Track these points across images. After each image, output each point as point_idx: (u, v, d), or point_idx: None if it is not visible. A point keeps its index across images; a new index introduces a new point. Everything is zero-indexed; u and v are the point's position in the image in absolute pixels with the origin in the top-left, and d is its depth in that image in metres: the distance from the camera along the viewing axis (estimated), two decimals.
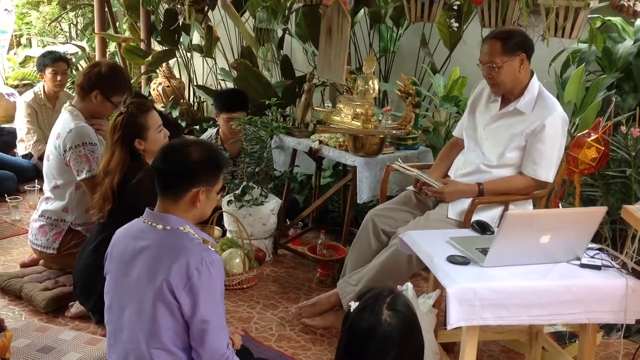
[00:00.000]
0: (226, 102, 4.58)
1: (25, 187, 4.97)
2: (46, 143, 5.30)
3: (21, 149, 5.47)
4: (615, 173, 3.56)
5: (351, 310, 1.88)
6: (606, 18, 4.01)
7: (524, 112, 3.14)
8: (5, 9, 7.45)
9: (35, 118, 5.37)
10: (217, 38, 5.75)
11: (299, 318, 3.42)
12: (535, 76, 3.19)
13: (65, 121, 3.66)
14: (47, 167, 3.75)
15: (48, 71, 5.29)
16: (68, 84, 7.13)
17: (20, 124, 5.40)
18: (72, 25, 7.86)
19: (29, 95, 5.43)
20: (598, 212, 2.51)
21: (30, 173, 5.27)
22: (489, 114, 3.27)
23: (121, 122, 3.16)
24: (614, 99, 3.54)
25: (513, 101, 3.18)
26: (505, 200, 3.19)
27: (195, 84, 6.20)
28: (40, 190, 4.62)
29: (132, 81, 4.90)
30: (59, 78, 5.31)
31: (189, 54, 6.17)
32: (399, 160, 3.50)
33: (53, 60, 5.27)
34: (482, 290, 2.34)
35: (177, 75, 6.42)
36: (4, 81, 7.36)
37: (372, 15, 5.01)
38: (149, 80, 6.25)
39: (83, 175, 3.54)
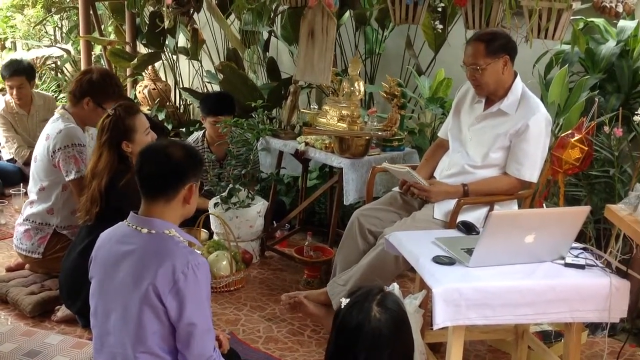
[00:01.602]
0: (212, 106, 4.57)
1: (10, 191, 4.94)
2: (28, 147, 5.31)
3: (5, 153, 5.44)
4: (598, 173, 3.59)
5: (341, 307, 1.89)
6: (589, 19, 4.04)
7: (508, 112, 3.16)
8: None
9: (11, 126, 5.30)
10: (202, 40, 5.75)
11: (294, 300, 3.31)
12: (518, 77, 3.21)
13: (55, 122, 3.68)
14: (34, 168, 3.75)
15: (6, 84, 5.22)
16: (53, 87, 7.14)
17: None
18: (57, 28, 7.81)
19: (0, 104, 5.36)
20: (582, 212, 2.53)
21: (16, 177, 5.22)
22: (473, 114, 3.29)
23: (109, 124, 3.15)
24: (597, 99, 3.57)
25: (497, 102, 3.20)
26: (490, 200, 3.21)
27: (181, 86, 6.19)
28: (26, 194, 4.59)
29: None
30: (14, 92, 5.20)
31: (174, 57, 6.16)
32: (386, 162, 3.50)
33: (9, 74, 5.16)
34: (467, 290, 2.35)
35: (163, 78, 6.40)
36: None
37: (358, 17, 5.02)
38: (134, 83, 6.23)
39: (72, 176, 3.53)
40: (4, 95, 5.54)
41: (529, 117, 3.11)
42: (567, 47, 4.02)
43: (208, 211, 4.09)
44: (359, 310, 1.84)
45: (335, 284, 3.27)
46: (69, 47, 7.27)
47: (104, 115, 3.62)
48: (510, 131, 3.14)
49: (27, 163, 5.21)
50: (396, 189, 3.45)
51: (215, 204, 4.13)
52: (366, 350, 1.81)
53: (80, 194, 3.33)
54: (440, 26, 4.38)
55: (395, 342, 1.85)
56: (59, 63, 7.41)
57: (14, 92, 5.21)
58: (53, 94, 6.75)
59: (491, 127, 3.21)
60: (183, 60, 6.19)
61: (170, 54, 6.10)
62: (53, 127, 3.65)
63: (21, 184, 4.90)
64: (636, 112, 3.43)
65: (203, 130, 4.73)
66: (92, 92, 3.65)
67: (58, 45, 7.55)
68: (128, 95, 6.09)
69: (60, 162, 3.57)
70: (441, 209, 3.20)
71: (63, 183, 3.63)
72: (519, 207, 3.36)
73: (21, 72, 5.20)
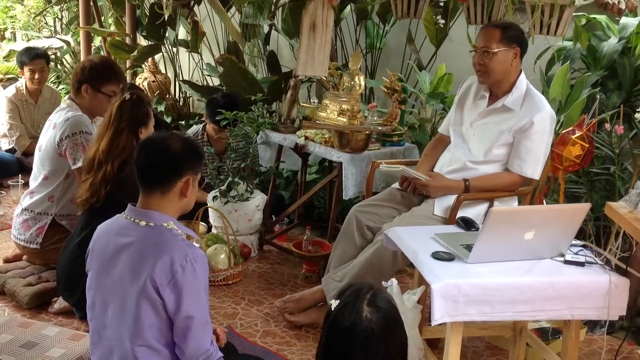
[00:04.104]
0: (218, 119, 4.35)
1: (8, 182, 4.93)
2: (30, 138, 5.31)
3: (4, 143, 5.43)
4: (599, 170, 3.58)
5: (332, 309, 1.86)
6: (591, 16, 4.03)
7: (513, 108, 3.14)
8: None
9: (18, 113, 5.34)
10: (203, 33, 5.73)
11: (282, 312, 3.42)
12: (523, 74, 3.19)
13: (62, 111, 3.68)
14: (38, 157, 3.73)
15: (26, 69, 5.32)
16: (52, 78, 7.12)
17: (3, 120, 5.37)
18: (57, 19, 7.80)
19: (10, 90, 5.39)
20: (582, 209, 2.52)
21: (14, 167, 5.22)
22: (477, 110, 3.27)
23: (131, 106, 3.11)
24: (598, 96, 3.57)
25: (501, 97, 3.18)
26: (491, 196, 3.20)
27: (181, 79, 6.18)
28: (24, 185, 4.58)
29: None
30: (36, 76, 5.31)
31: (174, 49, 6.14)
32: (383, 163, 3.47)
33: (30, 59, 5.27)
34: (466, 286, 2.34)
35: (163, 70, 6.39)
36: None
37: (359, 11, 5.01)
38: (134, 75, 6.21)
39: (79, 164, 3.51)
40: (4, 86, 5.56)
41: (534, 114, 3.09)
42: (569, 44, 4.01)
43: (207, 204, 4.08)
44: (350, 311, 1.80)
45: (331, 279, 3.26)
46: (68, 38, 7.25)
47: (105, 100, 3.61)
48: (514, 128, 3.12)
49: (27, 154, 5.23)
50: (396, 185, 3.44)
51: (214, 197, 4.12)
52: (360, 352, 1.78)
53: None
54: (442, 21, 4.37)
55: (389, 341, 1.81)
56: (58, 54, 7.39)
57: (36, 75, 5.31)
58: (52, 84, 6.73)
59: (495, 123, 3.19)
60: (183, 52, 6.17)
61: (170, 47, 6.08)
62: (59, 115, 3.66)
63: (19, 175, 4.89)
64: (637, 110, 3.42)
65: (203, 124, 4.71)
66: (88, 77, 3.65)
67: (58, 36, 7.53)
68: None
69: (68, 149, 3.56)
70: (441, 205, 3.18)
71: (67, 171, 3.63)
72: (519, 203, 3.35)
73: (41, 55, 5.37)
